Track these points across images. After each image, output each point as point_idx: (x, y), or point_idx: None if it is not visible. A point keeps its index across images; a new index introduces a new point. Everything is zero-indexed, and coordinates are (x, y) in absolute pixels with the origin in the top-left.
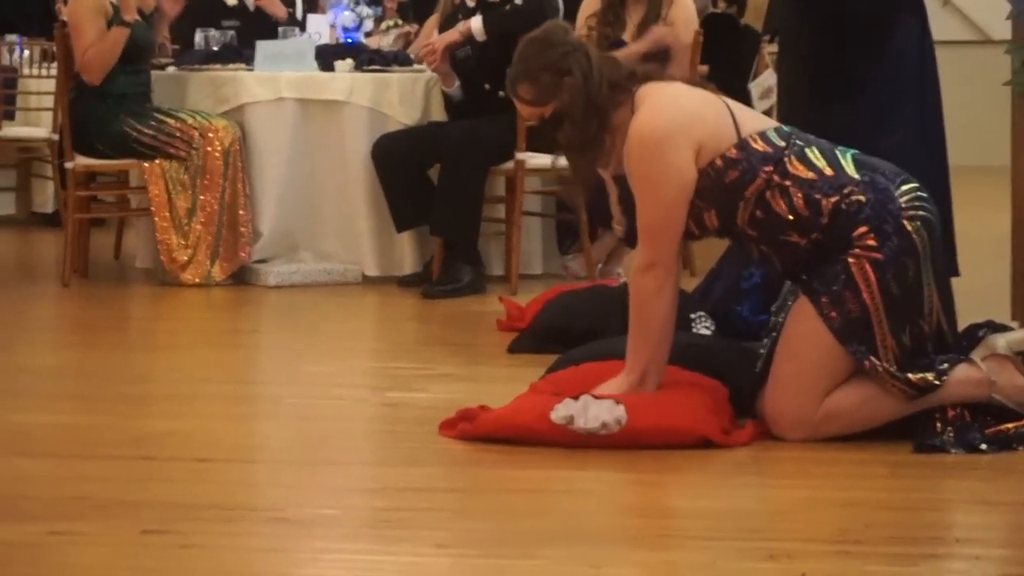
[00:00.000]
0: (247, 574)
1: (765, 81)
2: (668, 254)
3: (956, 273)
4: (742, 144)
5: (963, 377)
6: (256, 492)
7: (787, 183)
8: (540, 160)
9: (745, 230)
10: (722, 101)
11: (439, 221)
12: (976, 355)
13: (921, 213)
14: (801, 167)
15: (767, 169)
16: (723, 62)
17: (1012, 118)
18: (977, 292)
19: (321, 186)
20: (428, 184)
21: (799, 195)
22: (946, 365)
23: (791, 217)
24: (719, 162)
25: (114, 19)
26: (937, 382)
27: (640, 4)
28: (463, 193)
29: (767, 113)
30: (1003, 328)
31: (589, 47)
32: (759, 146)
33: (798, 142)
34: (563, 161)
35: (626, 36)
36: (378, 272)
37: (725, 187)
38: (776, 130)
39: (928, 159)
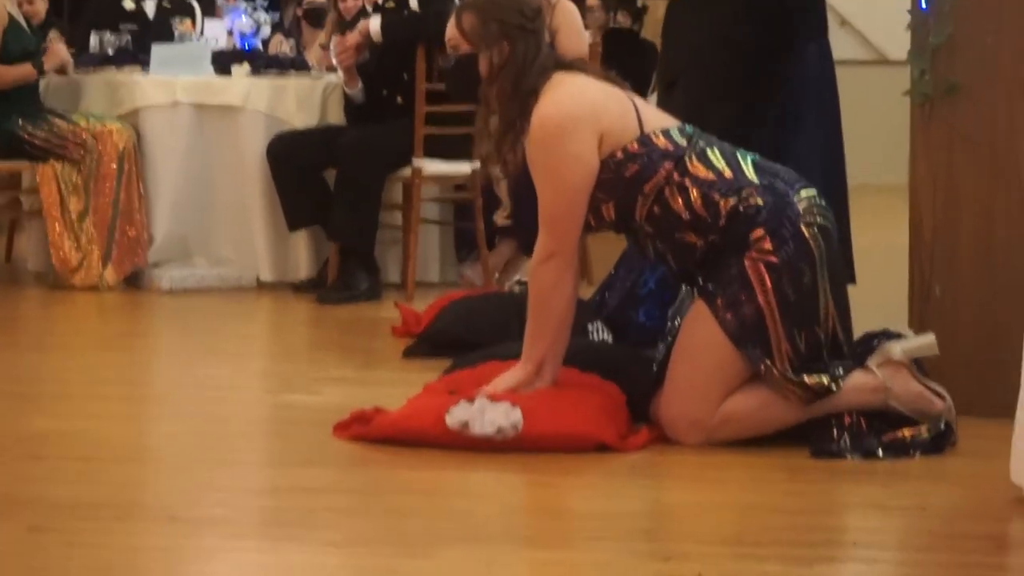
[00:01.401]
0: (136, 572)
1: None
2: (569, 244)
3: (853, 280)
4: (644, 139)
5: (859, 384)
6: (146, 491)
7: (686, 181)
8: (437, 167)
9: (643, 226)
10: (627, 96)
11: (336, 227)
12: (872, 362)
13: (819, 220)
14: (701, 167)
15: (667, 166)
16: (622, 76)
17: (911, 128)
18: (876, 305)
19: (216, 191)
20: (323, 185)
21: (697, 194)
22: (842, 371)
23: (688, 216)
24: (620, 155)
25: (13, 36)
26: (833, 387)
27: None
28: (361, 199)
29: None
30: (898, 336)
31: (544, 40)
32: (661, 143)
33: (700, 142)
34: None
35: None
36: (273, 277)
37: (624, 181)
38: (679, 129)
39: (827, 170)
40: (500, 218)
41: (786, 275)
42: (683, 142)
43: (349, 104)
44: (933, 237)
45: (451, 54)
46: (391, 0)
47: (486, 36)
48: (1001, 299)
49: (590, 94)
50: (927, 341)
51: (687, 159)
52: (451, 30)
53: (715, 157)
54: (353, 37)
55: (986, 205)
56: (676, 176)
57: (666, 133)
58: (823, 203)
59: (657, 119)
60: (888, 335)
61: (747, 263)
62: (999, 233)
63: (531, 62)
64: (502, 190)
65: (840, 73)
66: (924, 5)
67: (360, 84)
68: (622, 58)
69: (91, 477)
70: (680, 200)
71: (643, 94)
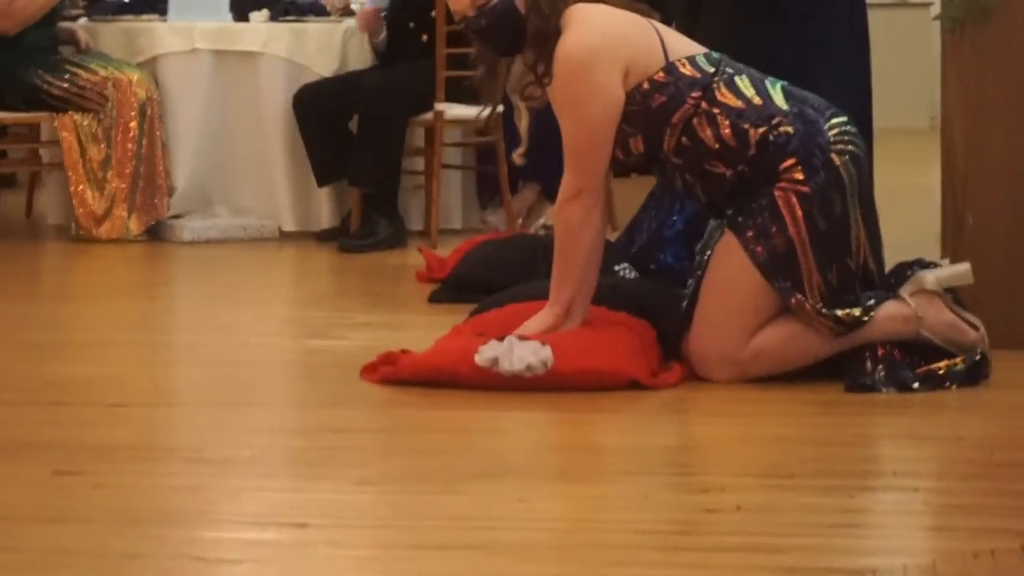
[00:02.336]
0: (164, 511)
1: None
2: (595, 180)
3: None
4: (670, 68)
5: (891, 313)
6: (172, 434)
7: (715, 111)
8: (460, 111)
9: (670, 157)
10: (650, 24)
11: (358, 172)
12: (904, 291)
13: (850, 148)
14: (730, 95)
15: (695, 95)
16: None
17: (942, 55)
18: (906, 245)
19: (237, 139)
20: (349, 137)
21: (726, 123)
22: (873, 301)
23: (717, 146)
24: (646, 85)
25: None
26: (865, 318)
27: None
28: (383, 143)
29: None
30: (932, 265)
31: None
32: (687, 71)
33: (728, 69)
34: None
35: None
36: (295, 227)
37: (652, 112)
38: (706, 56)
39: (856, 102)
40: (517, 157)
41: (817, 205)
42: (710, 69)
43: (375, 49)
44: (965, 165)
45: (479, 14)
46: None
47: None
48: None
49: (613, 25)
50: (962, 269)
51: (715, 87)
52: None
53: (743, 84)
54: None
55: (1019, 131)
56: (704, 105)
57: (692, 61)
58: (854, 129)
59: (683, 46)
60: (922, 264)
61: (777, 194)
62: None
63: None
64: (523, 128)
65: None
66: None
67: (384, 34)
68: None
69: (116, 421)
70: (709, 130)
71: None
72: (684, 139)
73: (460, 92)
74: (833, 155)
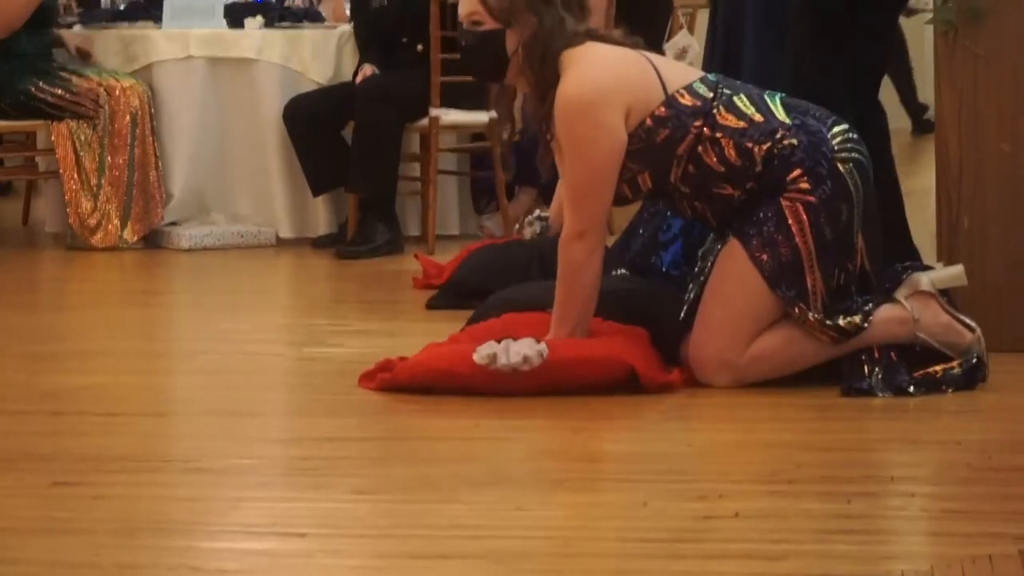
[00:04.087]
0: (163, 521)
1: (680, 42)
2: (599, 221)
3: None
4: (670, 101)
5: (887, 316)
6: (170, 444)
7: (717, 135)
8: (456, 116)
9: (678, 187)
10: (645, 58)
11: (355, 178)
12: (899, 294)
13: (854, 155)
14: (731, 117)
15: (697, 124)
16: (638, 25)
17: (935, 58)
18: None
19: (233, 146)
20: (343, 145)
21: (730, 145)
22: (871, 306)
23: (723, 169)
24: (649, 122)
25: None
26: (864, 324)
27: None
28: (379, 148)
29: None
30: (926, 268)
31: (562, 8)
32: (687, 101)
33: (725, 91)
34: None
35: None
36: (292, 234)
37: (657, 147)
38: (702, 80)
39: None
40: (507, 135)
41: (823, 214)
42: (709, 95)
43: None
44: (960, 168)
45: (471, 30)
46: None
47: (514, 9)
48: None
49: (612, 66)
50: (956, 271)
51: (715, 112)
52: (471, 4)
53: (743, 103)
54: None
55: (1013, 134)
56: (707, 131)
57: (690, 89)
58: (856, 136)
59: (679, 75)
60: (916, 266)
61: (784, 203)
62: None
63: (558, 32)
64: (516, 108)
65: None
66: None
67: None
68: (636, 6)
69: (114, 430)
70: (714, 155)
71: (659, 42)
72: (690, 167)
73: (456, 97)
74: (838, 163)
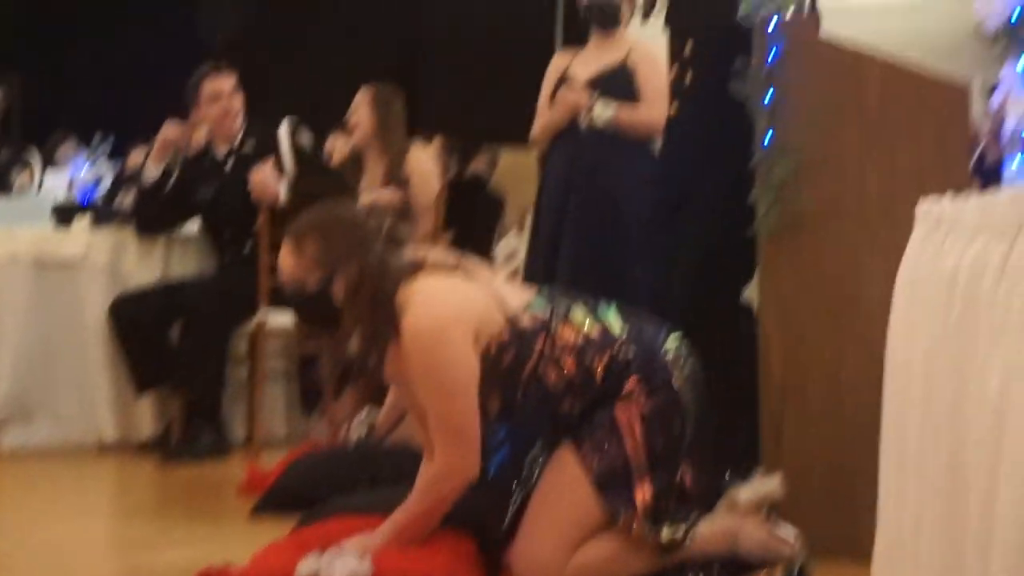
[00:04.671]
0: None
1: (509, 243)
2: (474, 457)
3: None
4: (511, 324)
5: (707, 532)
6: None
7: (557, 352)
8: (284, 319)
9: (522, 406)
10: (479, 284)
11: (181, 378)
12: (719, 510)
13: (686, 369)
14: (569, 331)
15: (539, 345)
16: (467, 226)
17: (759, 267)
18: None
19: (57, 348)
20: (168, 344)
21: (570, 361)
22: (693, 520)
23: (564, 385)
24: (494, 349)
25: None
26: (687, 541)
27: (381, 158)
28: (207, 349)
29: (512, 274)
30: (745, 478)
31: (385, 241)
32: (528, 323)
33: (561, 305)
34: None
35: (364, 185)
36: (116, 436)
37: (503, 371)
38: (539, 295)
39: None
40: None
41: (656, 424)
42: (546, 313)
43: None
44: (783, 376)
45: (296, 288)
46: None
47: (336, 256)
48: (850, 439)
49: (454, 294)
50: (771, 485)
51: (554, 328)
52: (291, 265)
53: (578, 318)
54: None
55: (833, 343)
56: (547, 350)
57: (528, 309)
58: (687, 349)
59: (516, 295)
60: (735, 477)
61: (618, 411)
62: (848, 372)
63: (386, 269)
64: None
65: None
66: (765, 143)
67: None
68: (465, 208)
69: None
70: (553, 373)
71: (489, 246)
72: (534, 386)
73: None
74: (673, 376)
